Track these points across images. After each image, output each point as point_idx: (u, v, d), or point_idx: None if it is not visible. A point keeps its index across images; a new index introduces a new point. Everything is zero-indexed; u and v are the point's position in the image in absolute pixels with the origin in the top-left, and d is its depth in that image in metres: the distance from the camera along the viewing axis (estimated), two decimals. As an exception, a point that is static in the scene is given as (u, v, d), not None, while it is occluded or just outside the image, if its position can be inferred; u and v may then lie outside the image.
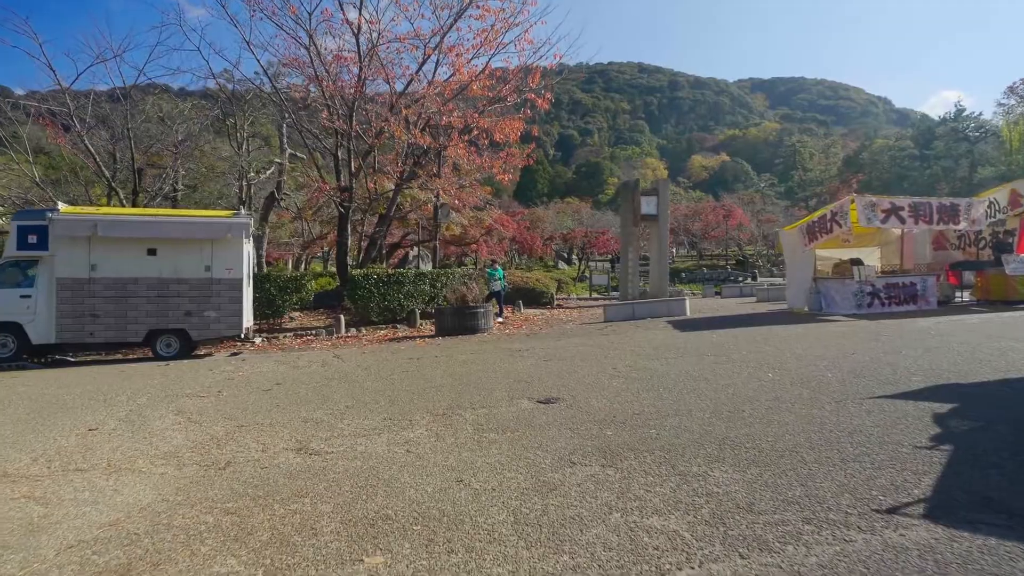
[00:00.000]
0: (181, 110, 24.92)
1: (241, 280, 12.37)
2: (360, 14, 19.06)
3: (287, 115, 23.21)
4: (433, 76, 20.43)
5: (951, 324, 10.77)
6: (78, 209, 13.17)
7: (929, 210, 13.83)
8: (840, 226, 13.93)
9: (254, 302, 14.35)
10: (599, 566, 2.67)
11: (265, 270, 25.31)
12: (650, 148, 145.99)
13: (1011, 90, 50.61)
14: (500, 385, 7.04)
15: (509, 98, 20.17)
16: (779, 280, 32.80)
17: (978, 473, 3.59)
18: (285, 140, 27.67)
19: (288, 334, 15.44)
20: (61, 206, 12.37)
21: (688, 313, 16.26)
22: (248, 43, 27.44)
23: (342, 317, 16.15)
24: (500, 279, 18.00)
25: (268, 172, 27.49)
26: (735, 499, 3.35)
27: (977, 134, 56.16)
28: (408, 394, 6.79)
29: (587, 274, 41.59)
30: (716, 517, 3.13)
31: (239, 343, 13.79)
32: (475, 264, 35.59)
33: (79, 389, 8.07)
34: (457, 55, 19.45)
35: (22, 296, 11.43)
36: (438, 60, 20.15)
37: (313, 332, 15.64)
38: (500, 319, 16.89)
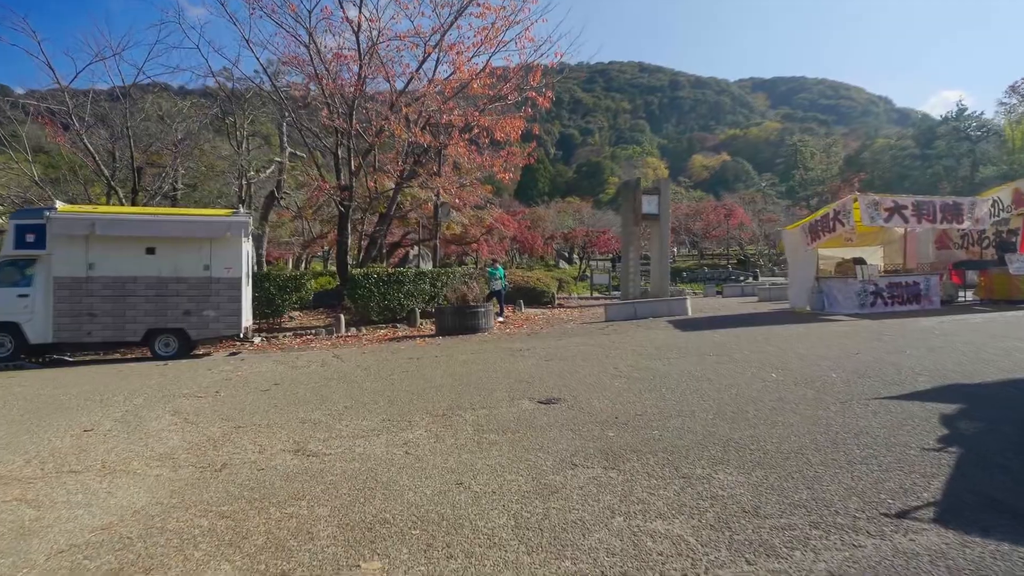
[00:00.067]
0: (180, 108, 24.85)
1: (240, 279, 12.30)
2: (360, 12, 19.01)
3: (287, 114, 23.15)
4: (433, 74, 20.39)
5: (955, 324, 10.69)
6: (76, 208, 13.12)
7: (932, 209, 13.74)
8: (843, 225, 13.84)
9: (253, 301, 14.29)
10: (602, 573, 2.60)
11: (265, 269, 25.28)
12: (651, 147, 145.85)
13: (1013, 89, 50.54)
14: (501, 385, 6.96)
15: (510, 96, 20.10)
16: (781, 279, 32.73)
17: (987, 476, 3.53)
18: (285, 139, 27.64)
19: (288, 334, 15.37)
20: (59, 205, 12.31)
21: (689, 313, 16.18)
22: (247, 41, 27.40)
23: (342, 316, 16.08)
24: (501, 278, 17.93)
25: (268, 171, 27.46)
26: (740, 502, 3.29)
27: (979, 133, 56.11)
28: (407, 394, 6.72)
29: (588, 273, 41.52)
30: (721, 521, 3.06)
31: (238, 343, 13.72)
32: (476, 263, 35.55)
33: (76, 389, 8.01)
34: (458, 53, 19.37)
35: (19, 295, 11.36)
36: (438, 58, 20.10)
37: (313, 331, 15.58)
38: (501, 318, 16.82)
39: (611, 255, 46.60)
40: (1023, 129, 48.18)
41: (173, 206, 23.57)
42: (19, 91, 24.10)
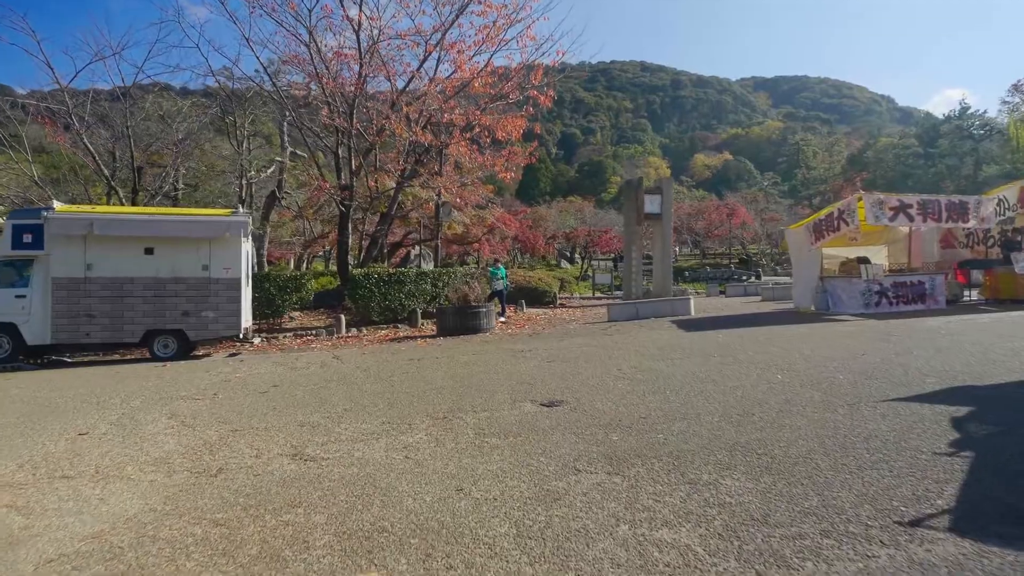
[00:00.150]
0: (180, 108, 24.79)
1: (239, 280, 12.22)
2: (360, 10, 18.91)
3: (288, 113, 23.07)
4: (434, 73, 20.29)
5: (961, 324, 10.58)
6: (74, 208, 13.04)
7: (938, 208, 13.62)
8: (847, 224, 13.72)
9: (253, 302, 14.21)
10: (607, 585, 2.51)
11: (266, 269, 25.22)
12: (653, 147, 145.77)
13: (1016, 87, 50.29)
14: (502, 387, 6.87)
15: (511, 95, 20.00)
16: (784, 279, 32.61)
17: (1002, 481, 3.42)
18: (286, 138, 27.57)
19: (288, 334, 15.30)
20: (56, 204, 12.23)
21: (693, 313, 16.07)
22: (248, 40, 27.25)
23: (343, 317, 16.00)
24: (503, 278, 17.84)
25: (269, 170, 27.39)
26: (749, 510, 3.19)
27: (982, 132, 55.92)
28: (408, 397, 6.63)
29: (590, 273, 41.40)
30: (729, 530, 2.97)
31: (238, 343, 13.64)
32: (477, 263, 35.45)
33: (72, 391, 7.93)
34: (459, 52, 19.27)
35: (17, 296, 11.29)
36: (439, 57, 19.99)
37: (313, 332, 15.50)
38: (502, 319, 16.72)
39: (613, 255, 46.48)
40: (1028, 128, 47.91)
41: (174, 206, 23.51)
42: (21, 91, 23.99)
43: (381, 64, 19.61)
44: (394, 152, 22.26)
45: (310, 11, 18.68)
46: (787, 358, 7.80)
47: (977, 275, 15.54)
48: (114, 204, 19.74)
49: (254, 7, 18.51)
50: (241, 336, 12.68)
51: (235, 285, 12.15)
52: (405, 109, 19.43)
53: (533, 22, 19.59)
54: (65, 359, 12.50)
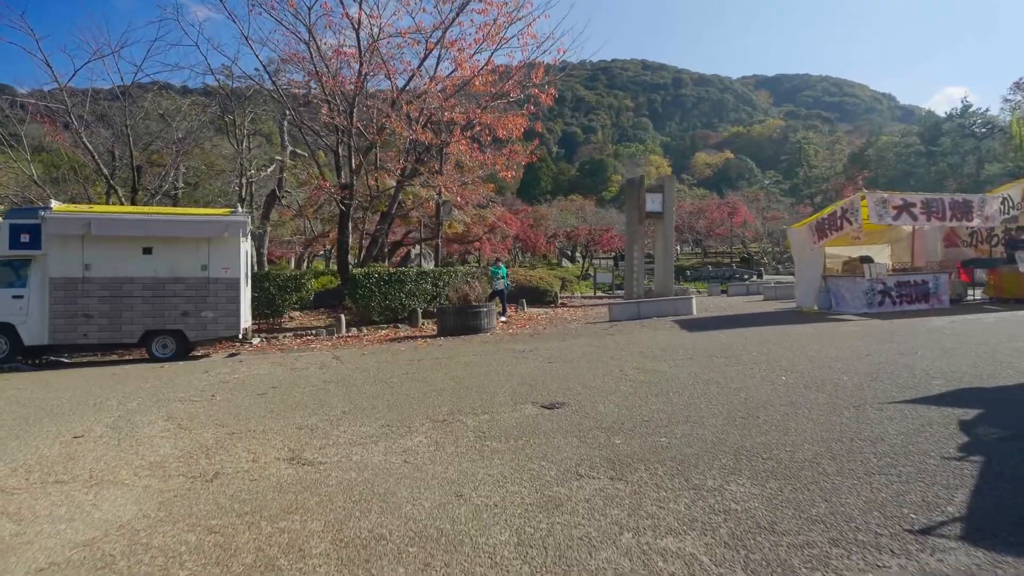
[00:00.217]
0: (179, 107, 24.71)
1: (239, 280, 12.15)
2: (360, 8, 18.85)
3: (288, 112, 22.99)
4: (435, 71, 20.25)
5: (966, 324, 10.50)
6: (71, 207, 12.99)
7: (942, 207, 13.53)
8: (851, 223, 13.64)
9: (253, 302, 14.15)
10: (611, 597, 2.44)
11: (267, 268, 25.15)
12: (654, 145, 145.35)
13: (1017, 85, 50.22)
14: (503, 389, 6.80)
15: (512, 94, 19.93)
16: (786, 278, 32.50)
17: (1014, 487, 3.34)
18: (286, 137, 27.48)
19: (288, 334, 15.24)
20: (54, 204, 12.17)
21: (695, 312, 16.00)
22: (247, 38, 27.31)
23: (343, 317, 15.95)
24: (504, 278, 17.78)
25: (269, 169, 27.32)
26: (755, 517, 3.11)
27: (984, 130, 55.75)
28: (407, 398, 6.56)
29: (591, 272, 41.30)
30: (736, 538, 2.89)
31: (237, 343, 13.58)
32: (478, 262, 35.38)
33: (69, 393, 7.87)
34: (459, 50, 19.21)
35: (14, 296, 11.22)
36: (440, 55, 19.94)
37: (313, 332, 15.44)
38: (503, 318, 16.66)
39: (614, 253, 46.40)
40: (1031, 126, 47.76)
41: (174, 205, 23.45)
42: (21, 91, 23.91)
43: (381, 62, 19.53)
44: (394, 151, 22.20)
45: (309, 9, 18.61)
46: (791, 359, 7.72)
47: (981, 274, 15.46)
48: (114, 203, 19.67)
49: (253, 5, 18.52)
50: (241, 336, 12.61)
51: (234, 285, 12.08)
52: (405, 107, 19.35)
53: (534, 20, 19.55)
54: (63, 360, 12.45)
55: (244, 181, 25.86)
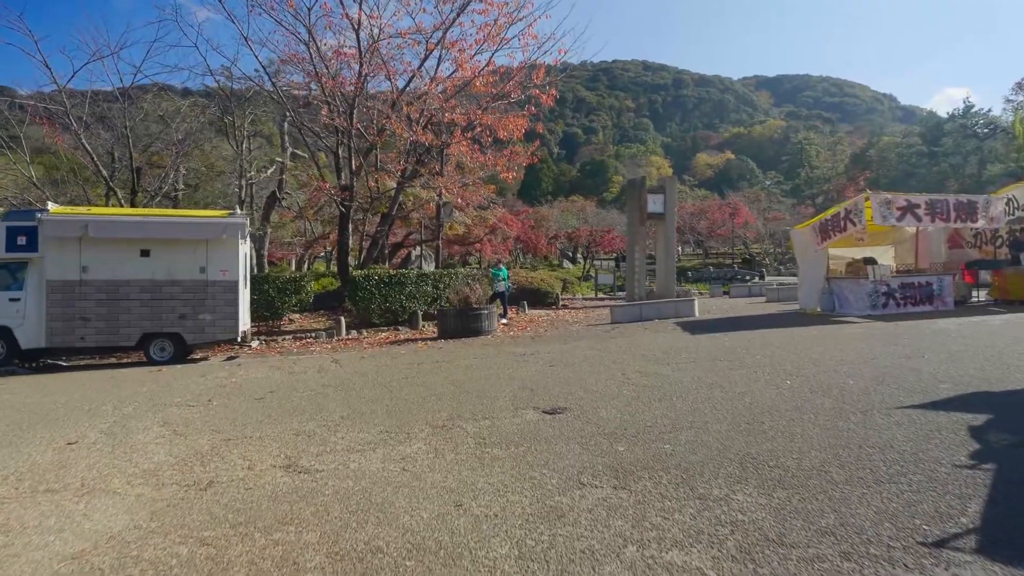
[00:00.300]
0: (179, 108, 24.65)
1: (237, 282, 12.06)
2: (360, 9, 18.75)
3: (287, 113, 22.92)
4: (435, 72, 20.15)
5: (972, 326, 10.39)
6: (68, 209, 12.89)
7: (946, 208, 13.42)
8: (854, 224, 13.52)
9: (252, 304, 14.06)
10: (615, 616, 2.34)
11: (267, 270, 25.07)
12: (655, 146, 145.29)
13: (1020, 86, 50.15)
14: (504, 393, 6.71)
15: (513, 94, 19.84)
16: (788, 279, 32.37)
17: (1030, 498, 3.25)
18: (286, 138, 27.42)
19: (287, 337, 15.15)
20: (51, 206, 12.08)
21: (697, 314, 15.89)
22: (246, 39, 27.14)
23: (343, 319, 15.86)
24: (504, 279, 17.68)
25: (269, 171, 27.25)
26: (763, 529, 3.02)
27: (986, 131, 55.65)
28: (407, 403, 6.47)
29: (592, 273, 41.21)
30: (743, 551, 2.80)
31: (236, 346, 13.48)
32: (479, 264, 35.30)
33: (65, 397, 7.78)
34: (460, 50, 19.12)
35: (11, 299, 11.12)
36: (440, 56, 19.85)
37: (312, 334, 15.34)
38: (504, 321, 16.56)
39: (615, 254, 46.31)
40: (1033, 126, 47.63)
41: (174, 207, 23.39)
42: (21, 92, 23.82)
43: (381, 63, 19.45)
44: (395, 152, 22.11)
45: (309, 9, 18.53)
46: (796, 362, 7.62)
47: (985, 276, 15.33)
48: (113, 205, 19.60)
49: (253, 6, 18.45)
50: (239, 339, 12.51)
51: (232, 287, 11.99)
52: (406, 109, 19.27)
53: (535, 20, 19.47)
54: (60, 363, 12.36)
55: (244, 183, 25.80)
